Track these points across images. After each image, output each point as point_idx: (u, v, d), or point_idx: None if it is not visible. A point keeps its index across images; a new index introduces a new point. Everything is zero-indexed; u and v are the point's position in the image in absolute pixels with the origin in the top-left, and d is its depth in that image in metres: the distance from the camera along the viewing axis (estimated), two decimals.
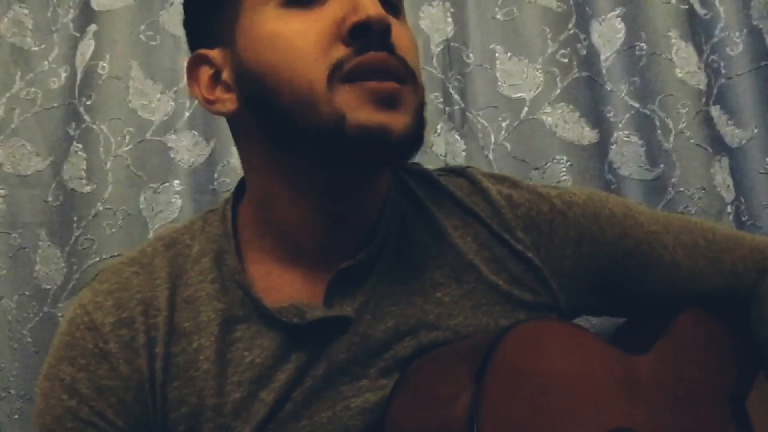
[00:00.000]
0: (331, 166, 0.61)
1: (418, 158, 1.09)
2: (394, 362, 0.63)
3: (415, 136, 0.60)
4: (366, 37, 0.57)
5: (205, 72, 0.65)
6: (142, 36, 1.16)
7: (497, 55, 1.15)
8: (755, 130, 1.14)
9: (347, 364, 0.63)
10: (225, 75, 0.63)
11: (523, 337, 0.59)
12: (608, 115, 1.13)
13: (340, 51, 0.58)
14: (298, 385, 0.62)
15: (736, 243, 0.77)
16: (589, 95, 1.14)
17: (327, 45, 0.58)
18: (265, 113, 0.61)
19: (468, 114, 1.14)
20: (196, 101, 1.13)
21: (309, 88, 0.57)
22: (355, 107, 0.57)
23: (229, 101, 0.63)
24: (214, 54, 0.64)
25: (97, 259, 1.08)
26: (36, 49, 1.18)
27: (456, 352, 0.62)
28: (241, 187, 0.71)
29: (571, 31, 1.15)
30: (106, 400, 0.61)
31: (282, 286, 0.65)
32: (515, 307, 0.67)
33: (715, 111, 1.14)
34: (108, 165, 1.11)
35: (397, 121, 0.58)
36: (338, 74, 0.57)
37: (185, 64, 0.66)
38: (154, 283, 0.65)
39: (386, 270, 0.66)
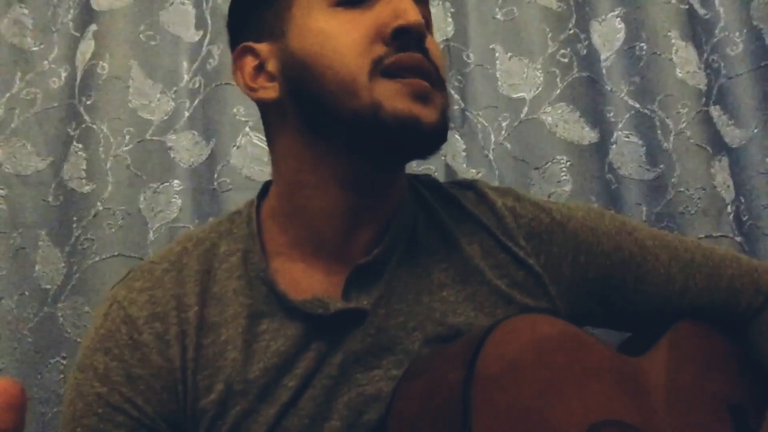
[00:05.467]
0: (364, 152, 0.66)
1: None
2: (404, 355, 0.67)
3: (442, 132, 0.66)
4: (405, 39, 0.64)
5: (250, 62, 0.70)
6: (142, 36, 1.16)
7: (497, 54, 1.15)
8: (755, 130, 1.14)
9: (362, 354, 0.67)
10: (270, 66, 0.69)
11: (516, 328, 0.61)
12: (608, 115, 1.13)
13: (382, 49, 0.64)
14: (317, 373, 0.66)
15: (734, 261, 0.79)
16: (589, 95, 1.14)
17: (370, 43, 0.64)
18: (306, 99, 0.66)
19: (468, 114, 1.14)
20: (197, 101, 1.14)
21: (352, 78, 0.63)
22: (392, 98, 0.63)
23: (271, 89, 0.69)
24: (261, 47, 0.69)
25: (97, 258, 1.08)
26: (36, 49, 1.18)
27: (456, 345, 0.64)
28: (264, 190, 0.75)
29: (571, 31, 1.16)
30: (136, 387, 0.65)
31: (303, 280, 0.69)
32: (516, 310, 0.71)
33: (715, 111, 1.14)
34: (108, 165, 1.11)
35: (429, 114, 0.64)
36: (379, 68, 0.63)
37: (232, 55, 0.72)
38: (184, 280, 0.69)
39: (398, 269, 0.70)
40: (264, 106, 0.72)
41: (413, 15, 0.64)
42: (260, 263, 0.69)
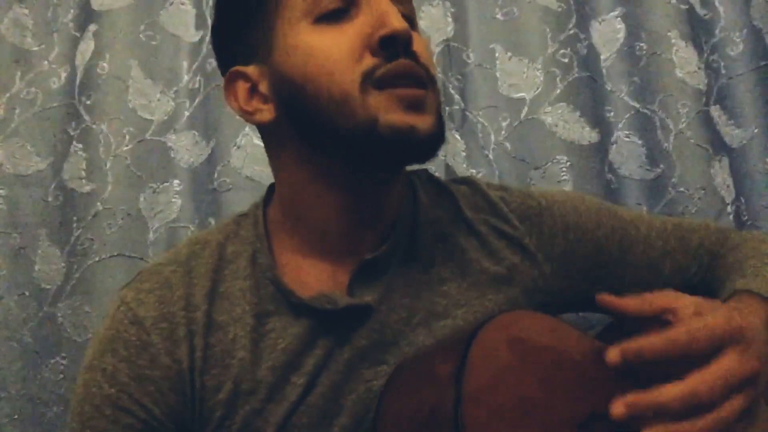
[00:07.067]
0: (364, 164, 0.67)
1: None
2: (409, 349, 0.69)
3: (439, 135, 0.67)
4: (393, 47, 0.64)
5: (242, 86, 0.70)
6: (142, 36, 1.16)
7: (497, 54, 1.15)
8: (755, 130, 1.14)
9: (368, 350, 0.69)
10: (262, 88, 0.69)
11: (503, 326, 0.61)
12: (608, 115, 1.13)
13: (371, 60, 0.64)
14: (325, 369, 0.68)
15: (701, 226, 0.85)
16: (589, 95, 1.14)
17: (358, 55, 0.64)
18: (302, 118, 0.67)
19: (468, 114, 1.14)
20: (197, 101, 1.14)
21: (345, 96, 0.64)
22: (386, 110, 0.63)
23: (266, 111, 0.69)
24: (250, 70, 0.70)
25: (97, 258, 1.08)
26: (36, 49, 1.18)
27: (442, 345, 0.64)
28: (270, 192, 0.76)
29: (571, 31, 1.16)
30: (144, 388, 0.66)
31: (309, 278, 0.71)
32: (516, 292, 0.75)
33: (715, 111, 1.14)
34: (108, 165, 1.11)
35: (424, 122, 0.65)
36: (370, 81, 0.64)
37: (223, 79, 0.72)
38: (192, 281, 0.70)
39: (399, 265, 0.72)
40: (262, 127, 0.72)
41: (397, 22, 0.64)
42: (268, 263, 0.70)
